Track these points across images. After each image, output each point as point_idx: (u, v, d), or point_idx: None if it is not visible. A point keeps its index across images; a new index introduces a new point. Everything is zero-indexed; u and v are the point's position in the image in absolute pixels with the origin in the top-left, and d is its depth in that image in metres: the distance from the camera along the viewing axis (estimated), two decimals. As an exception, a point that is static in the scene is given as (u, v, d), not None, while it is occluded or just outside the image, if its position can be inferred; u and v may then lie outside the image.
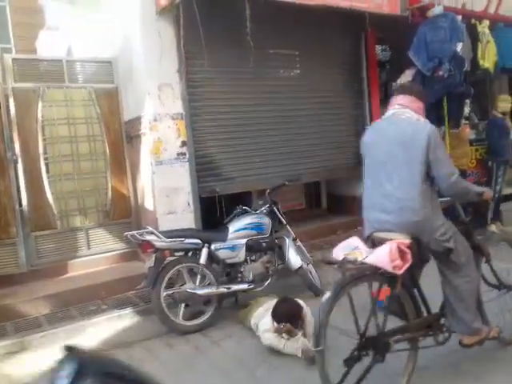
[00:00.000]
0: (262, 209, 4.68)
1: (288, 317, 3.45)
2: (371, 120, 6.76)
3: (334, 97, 6.51)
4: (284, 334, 3.42)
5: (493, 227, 6.44)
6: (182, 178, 5.17)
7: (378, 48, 8.27)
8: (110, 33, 5.70)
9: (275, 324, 3.47)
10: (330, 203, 7.64)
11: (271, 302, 3.73)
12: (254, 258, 4.49)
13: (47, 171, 5.06)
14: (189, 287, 4.01)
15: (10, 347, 3.86)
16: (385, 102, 7.26)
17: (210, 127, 5.48)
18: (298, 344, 3.36)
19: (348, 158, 6.69)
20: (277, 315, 3.48)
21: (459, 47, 5.76)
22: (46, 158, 5.06)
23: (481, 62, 6.54)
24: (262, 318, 3.66)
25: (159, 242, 3.93)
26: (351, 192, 7.17)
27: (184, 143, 5.17)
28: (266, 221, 4.55)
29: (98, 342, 3.91)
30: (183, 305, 4.00)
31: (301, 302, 3.67)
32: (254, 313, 3.83)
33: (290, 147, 6.09)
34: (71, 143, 5.21)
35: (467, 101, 6.18)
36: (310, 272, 4.76)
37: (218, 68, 5.43)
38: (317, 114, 6.31)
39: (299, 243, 4.81)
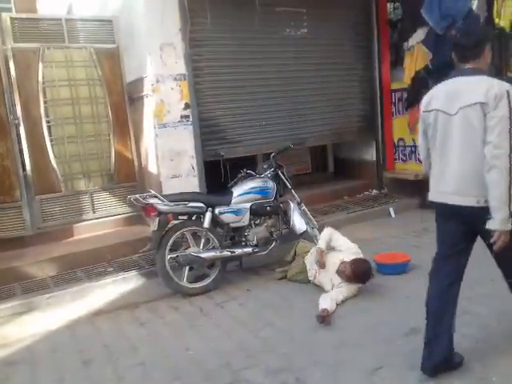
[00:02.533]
0: (267, 173, 4.62)
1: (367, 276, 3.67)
2: (381, 82, 6.58)
3: (343, 57, 6.31)
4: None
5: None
6: (185, 141, 5.10)
7: (390, 6, 7.96)
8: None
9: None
10: (337, 167, 7.55)
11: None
12: (258, 222, 4.47)
13: (50, 134, 5.01)
14: (193, 251, 4.01)
15: (17, 308, 3.94)
16: (395, 63, 7.10)
17: (213, 89, 5.36)
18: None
19: (355, 120, 6.56)
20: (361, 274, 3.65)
21: (474, 5, 5.51)
22: (48, 121, 4.99)
23: (496, 20, 6.26)
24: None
25: (162, 205, 3.91)
26: (359, 156, 7.09)
27: (187, 105, 5.07)
28: (271, 185, 4.50)
29: (103, 304, 3.97)
30: (187, 268, 4.01)
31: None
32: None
33: (296, 110, 5.97)
34: (73, 105, 5.13)
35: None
36: (315, 236, 4.74)
37: (222, 27, 5.26)
38: (324, 75, 6.15)
39: (304, 207, 4.77)
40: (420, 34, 5.86)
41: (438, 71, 5.71)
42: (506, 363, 2.60)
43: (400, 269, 4.08)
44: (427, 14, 5.56)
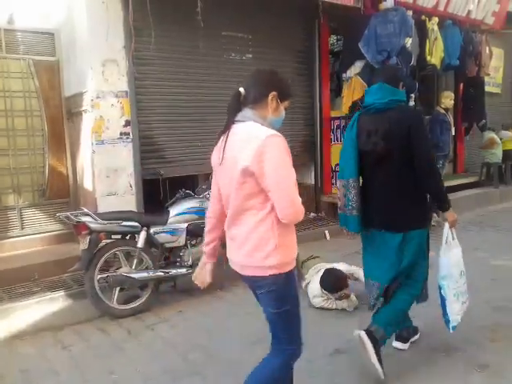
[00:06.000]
0: (205, 193, 4.61)
1: (337, 288, 3.77)
2: (321, 109, 6.82)
3: (285, 84, 6.48)
4: (332, 296, 3.81)
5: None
6: (124, 158, 5.02)
7: (333, 38, 8.35)
8: (54, 2, 5.41)
9: (327, 293, 3.82)
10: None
11: (319, 266, 4.12)
12: (194, 242, 4.43)
13: (-21, 145, 4.78)
14: (124, 271, 3.91)
15: None
16: (335, 91, 7.40)
17: (156, 107, 5.34)
18: (346, 302, 3.81)
19: (296, 145, 6.72)
20: (327, 287, 3.81)
21: (407, 42, 5.89)
22: (-23, 132, 4.77)
23: (428, 57, 6.72)
24: (311, 282, 3.98)
25: (94, 223, 3.80)
26: (298, 179, 7.23)
27: (128, 123, 5.01)
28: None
29: (25, 326, 3.76)
30: (118, 288, 3.90)
31: (352, 267, 4.08)
32: (306, 275, 4.14)
33: (239, 133, 6.03)
34: (6, 117, 4.93)
35: (412, 95, 6.33)
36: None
37: (166, 47, 5.28)
38: (267, 100, 6.27)
39: (241, 229, 4.79)
40: (357, 67, 6.17)
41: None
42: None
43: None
44: (364, 47, 5.89)
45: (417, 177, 2.70)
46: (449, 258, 2.86)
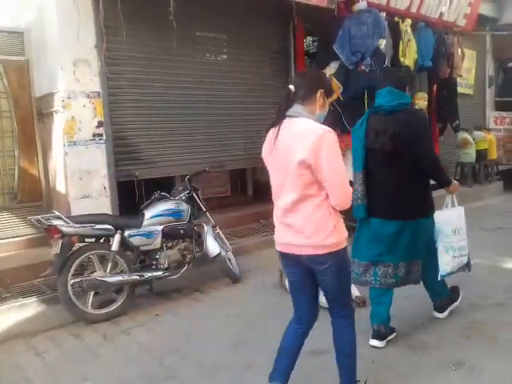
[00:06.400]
0: (182, 195, 4.58)
1: None
2: (297, 110, 6.82)
3: (260, 85, 6.48)
4: None
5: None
6: (97, 160, 4.92)
7: (309, 39, 8.39)
8: (24, 1, 5.27)
9: None
10: (256, 190, 7.66)
11: None
12: (170, 244, 4.39)
13: None
14: (98, 275, 3.84)
15: None
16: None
17: (129, 108, 5.26)
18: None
19: (273, 146, 6.72)
20: None
21: (381, 43, 5.96)
22: None
23: (401, 59, 6.82)
24: None
25: (66, 227, 3.72)
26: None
27: (101, 123, 4.92)
28: (185, 207, 4.45)
29: (-5, 333, 3.65)
30: (92, 293, 3.83)
31: None
32: None
33: (214, 133, 6.01)
34: (-26, 118, 4.79)
35: (386, 96, 6.40)
36: (229, 259, 4.74)
37: (139, 47, 5.21)
38: (242, 101, 6.27)
39: (218, 230, 4.78)
40: (332, 68, 6.21)
41: (347, 104, 6.09)
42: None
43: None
44: (339, 49, 5.94)
45: (423, 172, 3.05)
46: (439, 217, 3.20)
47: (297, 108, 2.20)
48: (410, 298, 3.68)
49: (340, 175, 2.13)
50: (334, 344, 2.39)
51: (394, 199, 3.06)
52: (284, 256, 2.34)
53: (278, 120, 2.21)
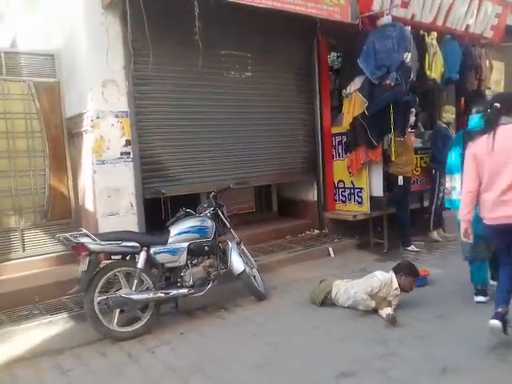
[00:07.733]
0: (206, 212, 4.58)
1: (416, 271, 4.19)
2: (322, 126, 6.81)
3: (286, 101, 6.50)
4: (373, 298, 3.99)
5: (434, 234, 6.62)
6: (125, 178, 5.01)
7: (333, 55, 8.38)
8: (55, 25, 5.47)
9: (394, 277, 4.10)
10: (281, 206, 7.64)
11: (337, 283, 4.38)
12: (195, 261, 4.39)
13: (-21, 168, 4.79)
14: (124, 292, 3.86)
15: None
16: (338, 108, 7.40)
17: (156, 127, 5.34)
18: (383, 310, 3.91)
19: (298, 162, 6.71)
20: (407, 269, 4.15)
21: (406, 57, 5.88)
22: (-22, 154, 4.78)
23: (428, 72, 6.72)
24: (351, 288, 4.17)
25: (93, 244, 3.76)
26: (301, 196, 7.21)
27: (128, 142, 5.02)
28: (210, 224, 4.45)
29: (24, 349, 3.70)
30: (118, 310, 3.85)
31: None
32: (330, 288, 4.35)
33: (239, 150, 6.04)
34: (7, 139, 4.95)
35: (412, 110, 6.30)
36: (254, 276, 4.71)
37: (166, 66, 5.31)
38: (267, 117, 6.29)
39: (243, 247, 4.76)
40: (357, 83, 6.17)
41: (373, 118, 6.03)
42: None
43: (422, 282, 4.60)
44: (363, 63, 5.89)
45: None
46: None
47: (505, 119, 3.11)
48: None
49: None
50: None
51: None
52: (495, 228, 3.12)
53: (491, 127, 3.11)
